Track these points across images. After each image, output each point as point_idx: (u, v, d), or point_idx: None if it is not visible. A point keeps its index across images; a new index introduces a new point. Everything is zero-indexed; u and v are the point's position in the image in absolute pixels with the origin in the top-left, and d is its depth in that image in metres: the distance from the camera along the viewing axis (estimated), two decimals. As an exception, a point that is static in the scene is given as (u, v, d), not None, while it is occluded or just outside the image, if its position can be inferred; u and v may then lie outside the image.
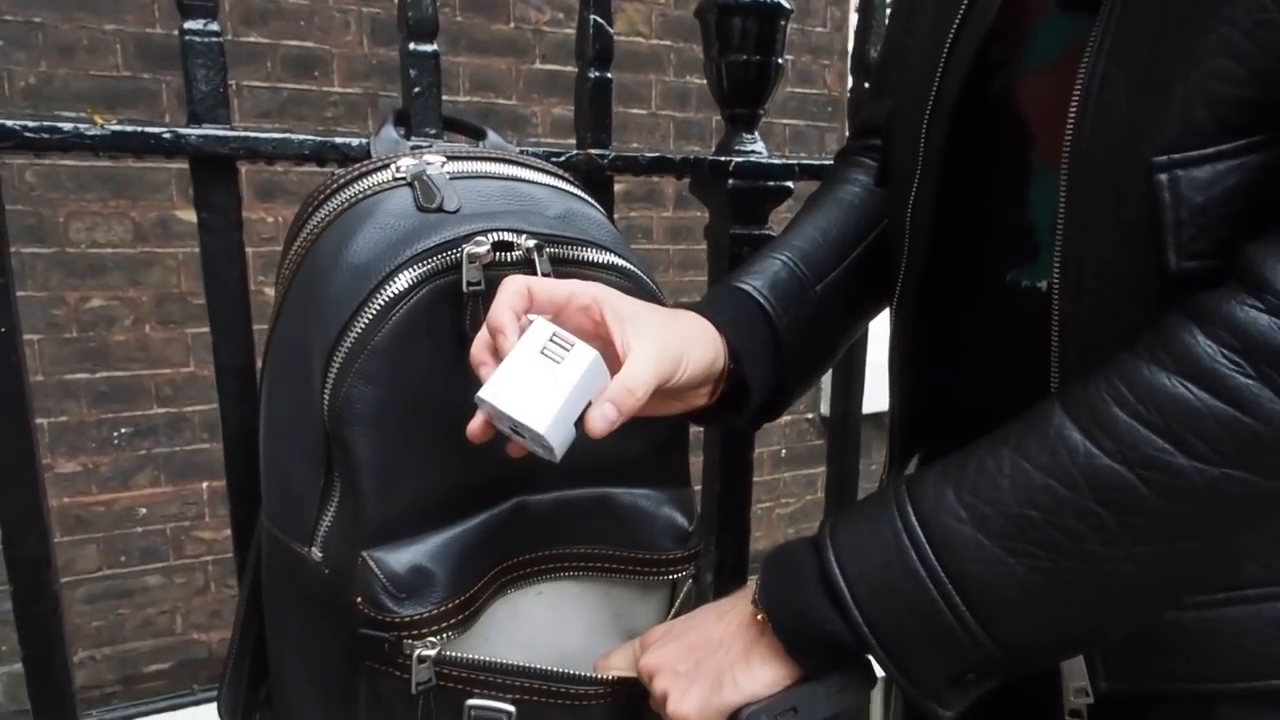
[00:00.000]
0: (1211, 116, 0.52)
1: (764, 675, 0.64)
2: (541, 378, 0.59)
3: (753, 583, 0.66)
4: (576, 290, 0.64)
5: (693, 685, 0.66)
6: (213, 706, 0.89)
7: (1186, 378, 0.51)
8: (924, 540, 0.57)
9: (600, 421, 0.60)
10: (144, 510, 2.45)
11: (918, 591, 0.56)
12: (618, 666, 0.74)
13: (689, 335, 0.70)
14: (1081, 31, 0.57)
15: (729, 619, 0.68)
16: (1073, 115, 0.57)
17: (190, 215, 2.42)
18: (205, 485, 2.49)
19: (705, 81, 1.08)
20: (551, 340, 0.60)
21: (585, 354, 0.60)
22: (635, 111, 3.06)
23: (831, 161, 1.15)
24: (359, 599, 0.67)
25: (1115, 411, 0.53)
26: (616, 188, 0.99)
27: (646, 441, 0.77)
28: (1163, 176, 0.53)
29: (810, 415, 3.40)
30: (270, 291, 0.85)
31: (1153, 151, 0.53)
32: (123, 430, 2.41)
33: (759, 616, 0.64)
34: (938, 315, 0.76)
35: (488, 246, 0.66)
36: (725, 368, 0.73)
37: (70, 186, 2.31)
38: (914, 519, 0.58)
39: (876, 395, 1.31)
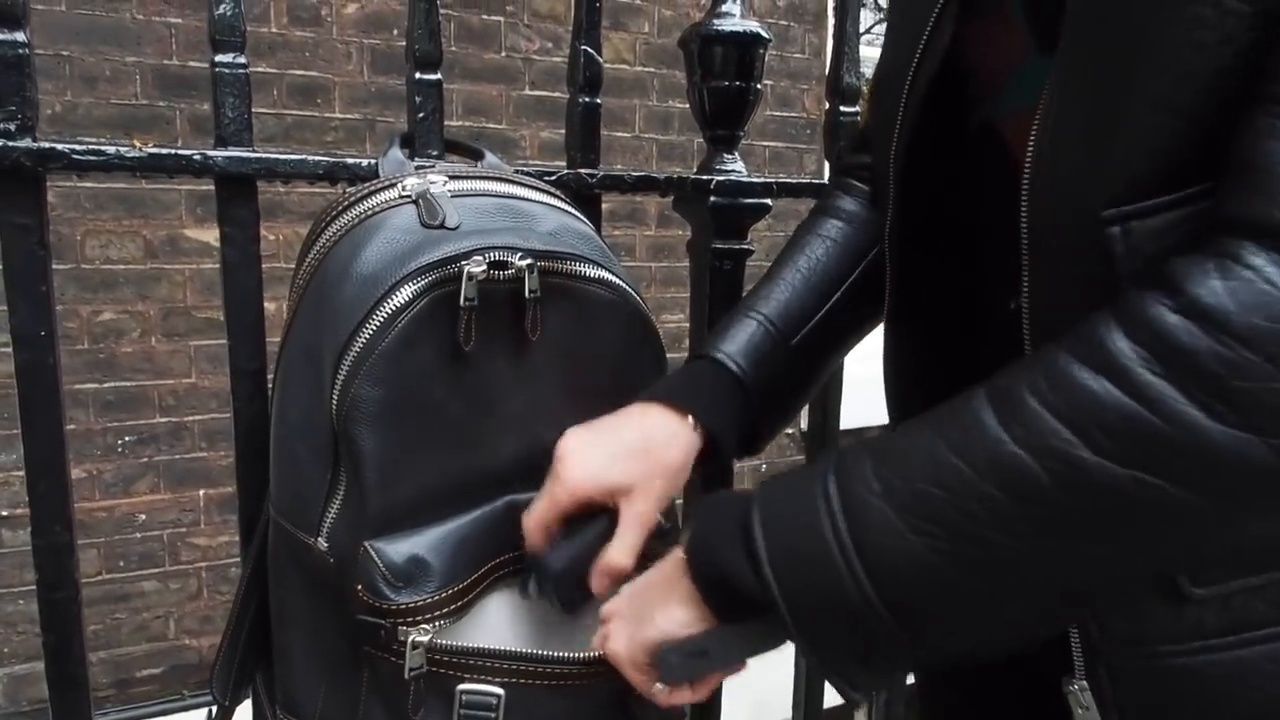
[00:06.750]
0: (1153, 169, 0.51)
1: (679, 616, 0.65)
2: None
3: None
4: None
5: (625, 625, 0.68)
6: (201, 713, 0.91)
7: (1099, 370, 0.50)
8: (838, 507, 0.56)
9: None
10: (143, 516, 2.47)
11: (823, 555, 0.56)
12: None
13: (660, 464, 0.75)
14: None
15: (665, 562, 0.68)
16: (1028, 168, 0.57)
17: (197, 234, 2.50)
18: (202, 493, 2.52)
19: (686, 106, 1.10)
20: None
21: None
22: (620, 134, 3.11)
23: (808, 181, 1.16)
24: (359, 586, 0.70)
25: (1028, 398, 0.52)
26: (602, 208, 1.03)
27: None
28: (1115, 230, 0.52)
29: (790, 431, 3.40)
30: (271, 306, 0.90)
31: (1102, 205, 0.52)
32: (126, 438, 2.44)
33: (682, 558, 0.65)
34: (947, 339, 0.76)
35: (484, 267, 0.70)
36: (700, 447, 0.77)
37: (88, 206, 2.37)
38: (833, 485, 0.57)
39: (854, 411, 1.30)
